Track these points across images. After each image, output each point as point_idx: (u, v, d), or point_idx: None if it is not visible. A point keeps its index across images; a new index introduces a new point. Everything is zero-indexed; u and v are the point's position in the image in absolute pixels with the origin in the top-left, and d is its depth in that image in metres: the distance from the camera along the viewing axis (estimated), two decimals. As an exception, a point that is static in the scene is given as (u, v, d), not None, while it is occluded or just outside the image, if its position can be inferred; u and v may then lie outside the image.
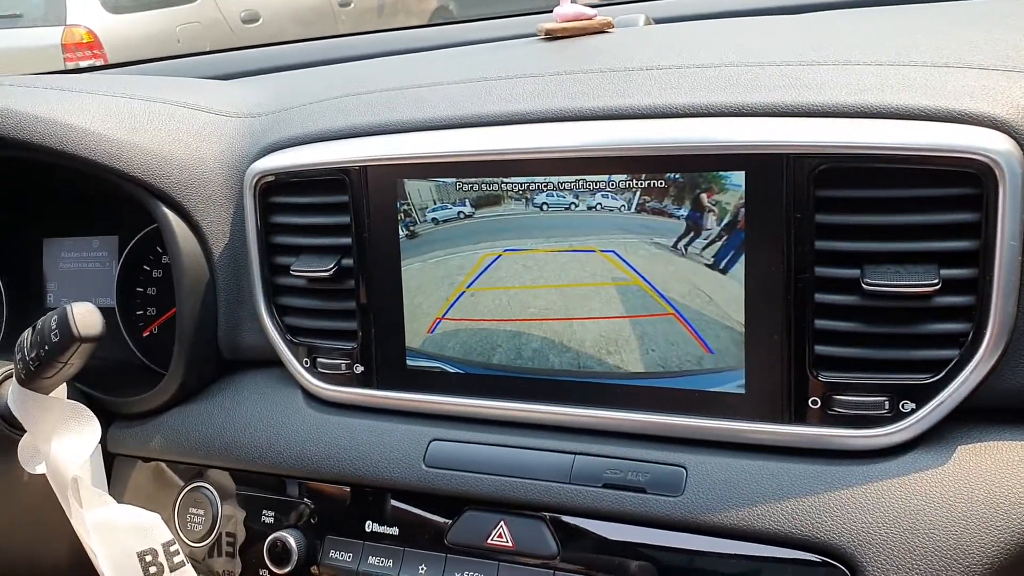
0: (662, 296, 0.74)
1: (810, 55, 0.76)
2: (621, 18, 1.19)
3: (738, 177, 0.70)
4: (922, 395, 0.68)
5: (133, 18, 4.46)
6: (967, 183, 0.66)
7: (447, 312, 0.81)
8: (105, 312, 0.79)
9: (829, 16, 1.04)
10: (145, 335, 1.12)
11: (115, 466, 0.98)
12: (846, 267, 0.69)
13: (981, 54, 0.73)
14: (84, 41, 4.23)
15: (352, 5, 5.50)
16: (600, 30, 1.01)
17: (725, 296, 0.72)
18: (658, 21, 1.25)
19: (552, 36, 1.01)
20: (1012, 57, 0.72)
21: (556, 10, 1.02)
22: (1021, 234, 0.65)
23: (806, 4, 1.22)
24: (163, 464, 0.96)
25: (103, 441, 0.96)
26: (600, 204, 0.75)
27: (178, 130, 0.94)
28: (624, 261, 0.75)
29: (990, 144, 0.65)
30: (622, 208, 0.74)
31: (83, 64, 4.17)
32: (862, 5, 1.14)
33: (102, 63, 4.10)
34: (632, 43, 0.93)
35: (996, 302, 0.66)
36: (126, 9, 4.40)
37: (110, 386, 0.99)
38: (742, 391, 0.72)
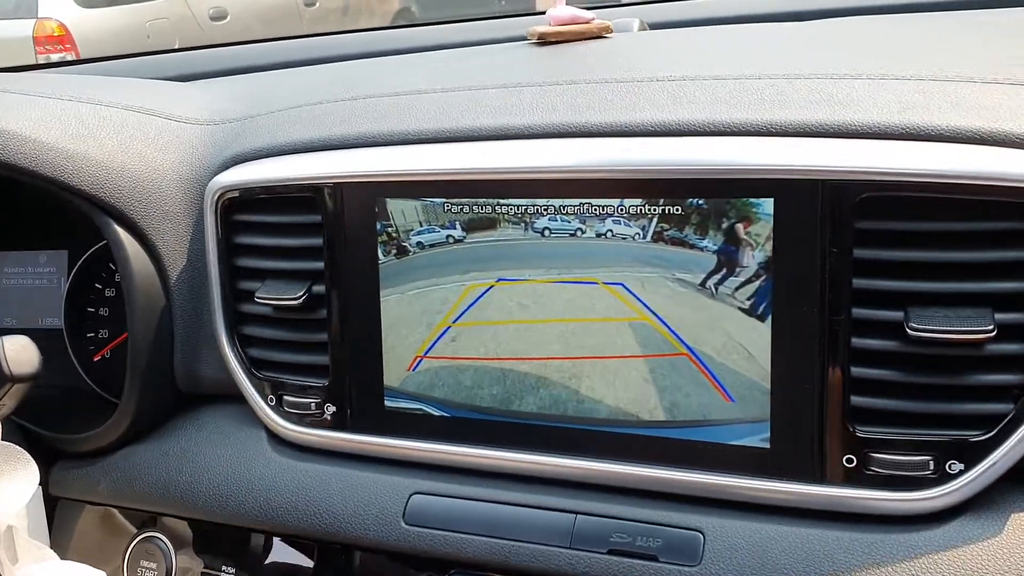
0: (676, 335, 0.66)
1: (841, 67, 0.68)
2: (615, 22, 1.11)
3: (767, 205, 0.62)
4: (972, 454, 0.60)
5: (104, 13, 4.44)
6: None
7: (431, 348, 0.72)
8: (52, 333, 0.70)
9: (844, 24, 0.96)
10: (96, 359, 1.02)
11: (58, 511, 0.89)
12: (888, 309, 0.61)
13: None
14: (55, 34, 4.19)
15: (317, 5, 5.50)
16: (598, 35, 0.93)
17: (749, 338, 0.63)
18: (652, 26, 1.17)
19: (545, 41, 0.92)
20: None
21: (550, 12, 0.93)
22: None
23: (813, 10, 1.14)
24: (112, 510, 0.86)
25: (44, 483, 0.86)
26: (611, 231, 0.67)
27: (131, 138, 0.84)
28: (633, 295, 0.66)
29: (1054, 172, 0.57)
30: (636, 236, 0.66)
31: (54, 58, 4.11)
32: (874, 12, 1.06)
33: (73, 57, 4.08)
34: (636, 50, 0.85)
35: None
36: (97, 4, 4.40)
37: (55, 419, 0.89)
38: (767, 445, 0.64)
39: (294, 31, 5.02)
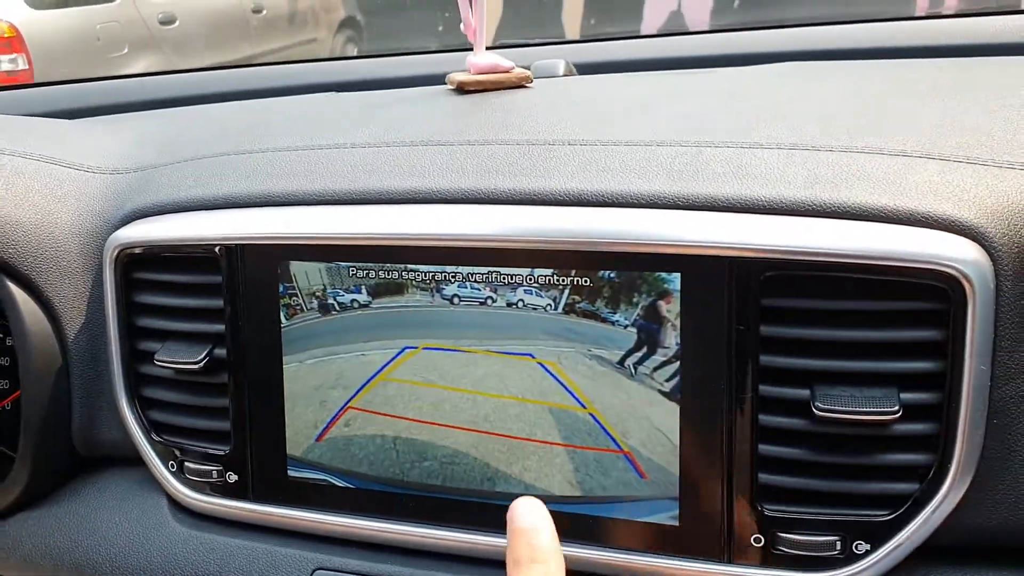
0: (584, 407, 0.64)
1: (753, 133, 0.68)
2: (540, 63, 1.10)
3: (674, 279, 0.61)
4: (879, 534, 0.60)
5: (55, 14, 4.35)
6: (932, 297, 0.58)
7: (334, 417, 0.70)
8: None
9: (767, 72, 0.96)
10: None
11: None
12: (794, 387, 0.60)
13: (941, 139, 0.65)
14: (6, 36, 4.07)
15: (264, 12, 5.46)
16: (518, 84, 0.91)
17: (659, 413, 0.62)
18: (578, 67, 1.16)
19: (464, 90, 0.90)
20: (973, 143, 0.64)
21: (469, 59, 0.91)
22: (991, 356, 0.58)
23: (741, 54, 1.14)
24: (2, 578, 0.82)
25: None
26: (522, 301, 0.65)
27: (27, 188, 0.80)
28: (543, 367, 0.65)
29: (956, 253, 0.57)
30: (548, 307, 0.64)
31: (4, 62, 4.00)
32: (797, 58, 1.06)
33: (23, 62, 3.98)
34: (554, 104, 0.83)
35: (962, 431, 0.58)
36: (48, 5, 4.31)
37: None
38: (676, 523, 0.63)
39: (241, 37, 5.07)
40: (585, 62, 1.18)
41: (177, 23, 4.76)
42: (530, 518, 0.53)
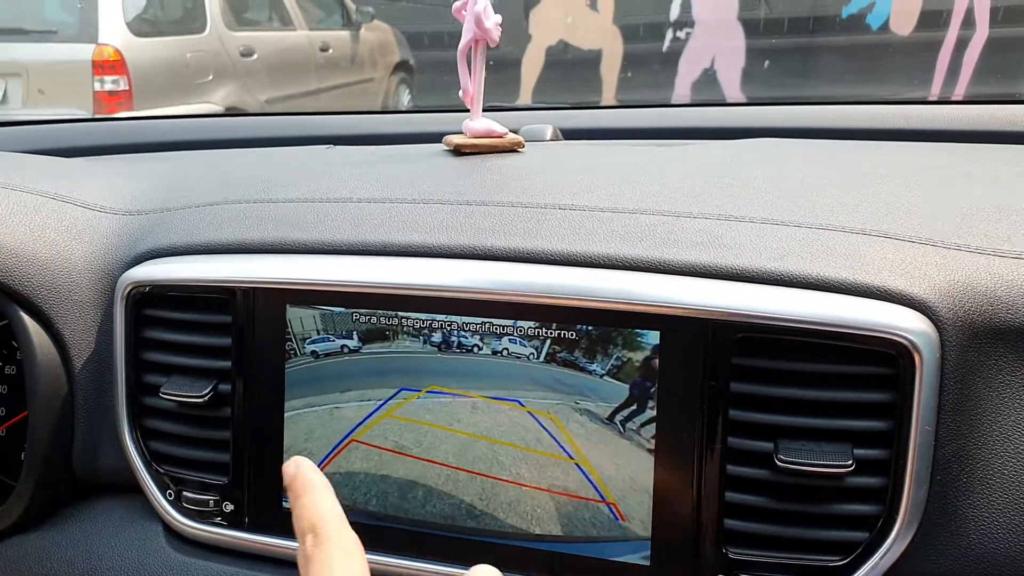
0: (567, 452, 0.69)
1: (729, 207, 0.74)
2: (528, 127, 1.17)
3: (653, 336, 0.67)
4: None
5: (152, 41, 4.74)
6: (883, 362, 0.64)
7: (330, 453, 0.75)
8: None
9: (744, 147, 1.03)
10: (-10, 437, 1.00)
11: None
12: (760, 439, 0.66)
13: (898, 221, 0.72)
14: (111, 59, 4.43)
15: (331, 51, 5.90)
16: (511, 149, 0.97)
17: (635, 459, 0.68)
18: (565, 133, 1.23)
19: (460, 152, 0.97)
20: (926, 225, 0.71)
21: (466, 124, 0.98)
22: (936, 418, 0.64)
23: (715, 128, 1.22)
24: (-4, 600, 0.85)
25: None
26: (507, 350, 0.70)
27: (44, 226, 0.85)
28: (531, 415, 0.70)
29: (906, 324, 0.63)
30: (530, 356, 0.70)
31: (108, 83, 4.39)
32: (772, 135, 1.14)
33: (125, 84, 4.40)
34: (543, 169, 0.90)
35: (908, 486, 0.64)
36: (147, 34, 4.72)
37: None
38: (647, 563, 0.68)
39: (309, 71, 5.61)
40: (571, 127, 1.25)
41: (255, 56, 5.25)
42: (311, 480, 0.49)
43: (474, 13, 0.91)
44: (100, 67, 4.43)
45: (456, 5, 0.93)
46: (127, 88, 4.47)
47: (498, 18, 0.92)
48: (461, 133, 0.99)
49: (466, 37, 0.93)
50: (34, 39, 4.65)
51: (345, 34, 6.04)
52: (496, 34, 0.92)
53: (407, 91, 6.24)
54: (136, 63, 4.50)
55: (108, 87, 4.43)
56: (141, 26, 4.70)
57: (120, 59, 4.46)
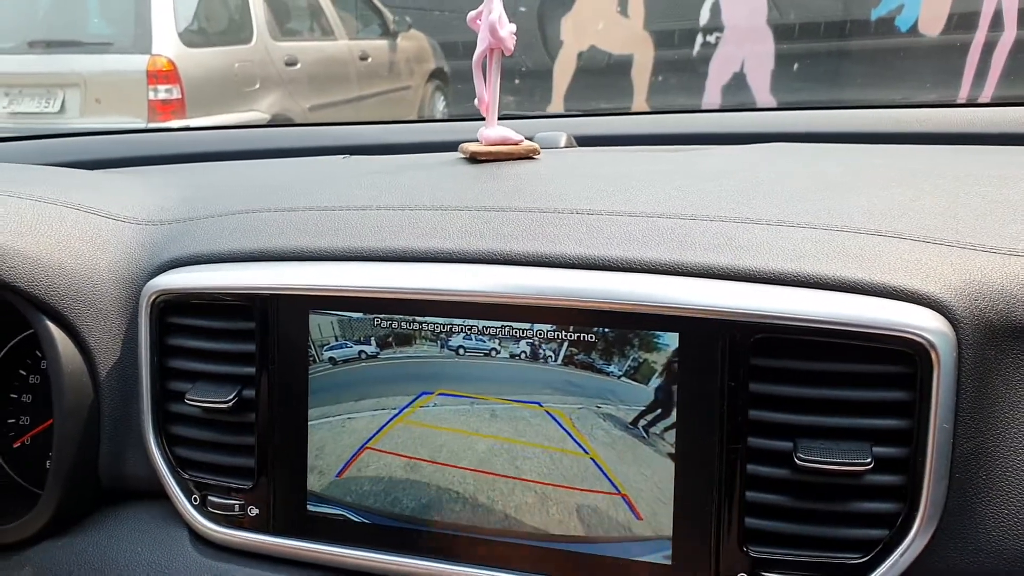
0: (587, 453, 0.70)
1: (744, 210, 0.75)
2: (542, 135, 1.18)
3: (671, 338, 0.68)
4: None
5: (203, 52, 4.91)
6: (901, 361, 0.65)
7: (354, 455, 0.76)
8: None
9: (757, 152, 1.04)
10: (16, 446, 1.02)
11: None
12: (779, 439, 0.67)
13: (913, 221, 0.72)
14: (165, 69, 4.60)
15: (370, 60, 6.09)
16: (526, 156, 0.99)
17: (655, 460, 0.68)
18: (579, 140, 1.24)
19: (476, 159, 0.98)
20: (940, 226, 0.72)
21: (481, 131, 0.99)
22: (954, 416, 0.64)
23: (724, 133, 1.23)
24: (24, 606, 0.86)
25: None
26: (524, 353, 0.71)
27: (69, 236, 0.87)
28: (550, 415, 0.71)
29: (923, 323, 0.64)
30: (548, 359, 0.71)
31: (161, 92, 4.55)
32: (783, 139, 1.15)
33: (178, 93, 4.55)
34: (560, 175, 0.91)
35: (928, 484, 0.64)
36: (198, 44, 4.88)
37: (-31, 508, 0.89)
38: (669, 562, 0.69)
39: (349, 79, 5.82)
40: (585, 135, 1.26)
41: (299, 65, 5.43)
42: None
43: (489, 22, 0.92)
44: (154, 77, 4.60)
45: (471, 15, 0.95)
46: (180, 97, 4.62)
47: (513, 27, 0.93)
48: (476, 141, 1.00)
49: (481, 46, 0.94)
50: (91, 51, 4.83)
51: (383, 43, 6.22)
52: (511, 43, 0.93)
53: (442, 98, 6.41)
54: (188, 73, 4.67)
55: (162, 96, 4.59)
56: (192, 37, 4.87)
57: (173, 69, 4.61)
